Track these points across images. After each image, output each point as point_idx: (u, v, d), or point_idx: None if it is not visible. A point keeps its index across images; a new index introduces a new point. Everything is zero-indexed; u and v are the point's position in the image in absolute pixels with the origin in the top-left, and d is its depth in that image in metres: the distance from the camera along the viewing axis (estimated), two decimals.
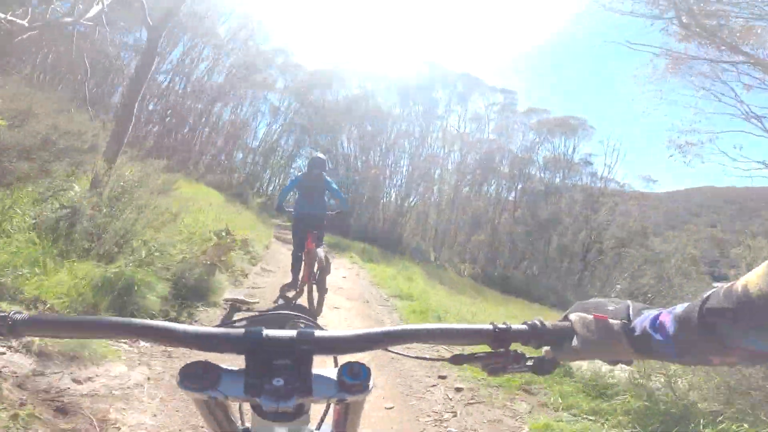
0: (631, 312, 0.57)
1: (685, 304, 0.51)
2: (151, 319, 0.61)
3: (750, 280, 0.43)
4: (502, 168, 29.72)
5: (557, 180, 28.58)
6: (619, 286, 25.09)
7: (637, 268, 24.42)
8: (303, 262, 4.48)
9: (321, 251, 4.31)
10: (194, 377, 0.49)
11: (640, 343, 0.54)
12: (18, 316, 0.52)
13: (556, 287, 25.28)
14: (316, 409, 0.59)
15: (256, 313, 0.72)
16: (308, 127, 27.04)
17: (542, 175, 28.85)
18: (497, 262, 26.81)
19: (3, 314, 0.51)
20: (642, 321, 0.54)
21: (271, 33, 29.31)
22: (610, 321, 0.56)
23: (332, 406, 0.61)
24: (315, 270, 4.33)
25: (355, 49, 45.81)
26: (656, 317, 0.53)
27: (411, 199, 25.80)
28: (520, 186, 30.74)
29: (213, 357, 0.52)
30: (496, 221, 28.50)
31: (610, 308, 0.58)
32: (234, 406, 0.61)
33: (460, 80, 27.96)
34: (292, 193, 4.91)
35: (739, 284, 0.44)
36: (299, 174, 4.85)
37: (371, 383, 0.52)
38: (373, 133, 25.01)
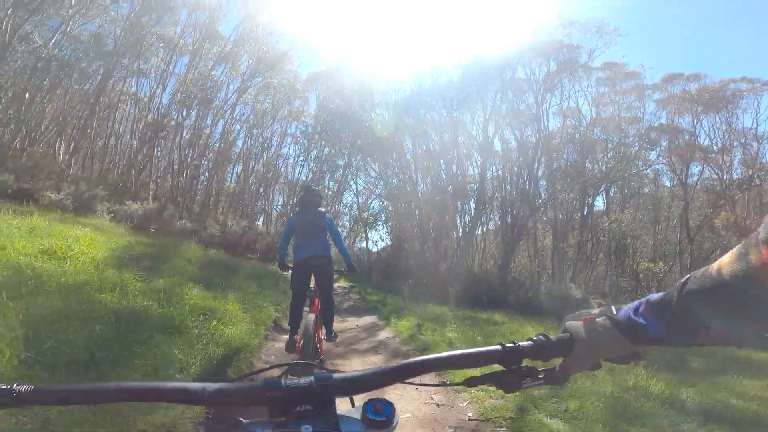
0: (613, 309, 0.61)
1: (661, 293, 0.55)
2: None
3: (723, 263, 0.45)
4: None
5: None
6: None
7: None
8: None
9: (312, 318, 3.06)
10: None
11: (630, 331, 0.58)
12: (22, 388, 0.49)
13: None
14: None
15: (269, 367, 0.71)
16: (348, 147, 20.05)
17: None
18: None
19: (5, 387, 0.49)
20: (625, 312, 0.59)
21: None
22: (597, 320, 0.61)
23: None
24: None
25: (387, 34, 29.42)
26: (637, 306, 0.58)
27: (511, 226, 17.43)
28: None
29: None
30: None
31: (595, 311, 0.63)
32: None
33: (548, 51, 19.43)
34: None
35: (713, 267, 0.46)
36: (292, 215, 4.38)
37: (396, 418, 0.53)
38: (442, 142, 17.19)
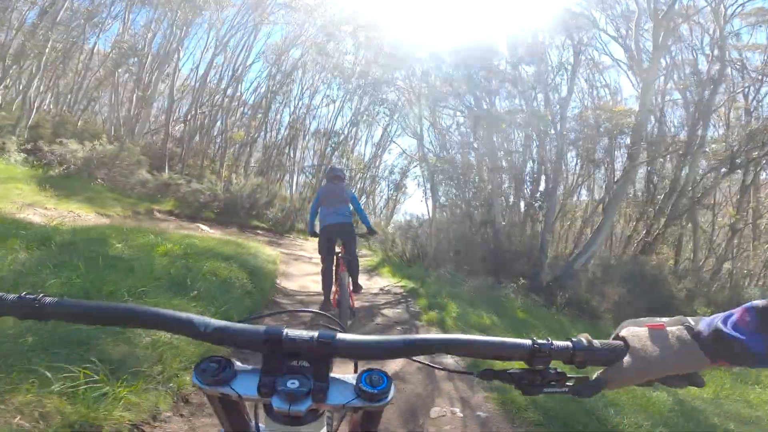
0: (690, 320, 0.51)
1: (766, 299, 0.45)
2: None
3: None
4: None
5: None
6: None
7: None
8: (333, 281, 4.15)
9: (346, 277, 3.82)
10: (209, 372, 0.47)
11: (715, 345, 0.47)
12: (47, 300, 0.50)
13: None
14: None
15: (282, 311, 0.88)
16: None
17: None
18: None
19: (32, 296, 0.50)
20: (710, 322, 0.48)
21: None
22: (668, 329, 0.50)
23: (348, 413, 0.57)
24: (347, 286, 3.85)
25: None
26: (728, 316, 0.47)
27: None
28: None
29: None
30: None
31: (665, 320, 0.53)
32: (250, 405, 0.56)
33: None
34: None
35: None
36: (320, 188, 4.84)
37: (391, 393, 0.49)
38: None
